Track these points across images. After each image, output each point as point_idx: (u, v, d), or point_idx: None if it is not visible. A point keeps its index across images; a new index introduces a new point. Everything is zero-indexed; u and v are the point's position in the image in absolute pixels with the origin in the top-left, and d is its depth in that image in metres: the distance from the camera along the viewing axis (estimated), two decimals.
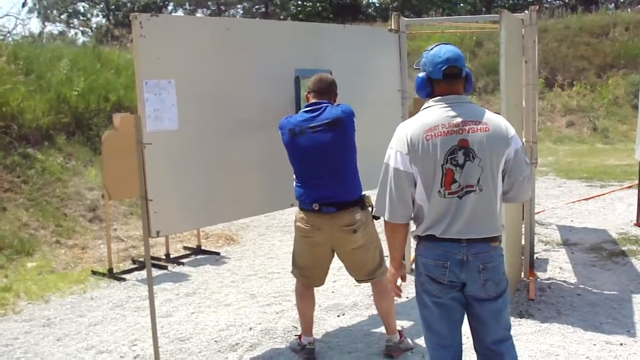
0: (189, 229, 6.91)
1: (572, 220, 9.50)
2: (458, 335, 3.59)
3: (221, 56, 4.87)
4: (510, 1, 36.57)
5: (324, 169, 4.64)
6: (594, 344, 5.17)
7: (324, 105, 4.71)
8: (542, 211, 10.11)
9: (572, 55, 23.97)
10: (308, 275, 4.98)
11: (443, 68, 3.41)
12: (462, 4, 36.46)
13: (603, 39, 24.45)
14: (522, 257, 6.69)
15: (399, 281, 3.70)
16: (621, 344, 5.16)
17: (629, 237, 8.41)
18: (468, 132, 3.32)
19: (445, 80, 3.43)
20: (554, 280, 6.68)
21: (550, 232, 8.79)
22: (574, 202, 11.03)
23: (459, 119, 3.34)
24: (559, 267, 7.14)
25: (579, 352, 5.02)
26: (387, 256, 4.05)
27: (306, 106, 4.80)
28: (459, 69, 3.44)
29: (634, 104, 18.73)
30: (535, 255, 7.23)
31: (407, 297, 6.04)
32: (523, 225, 6.65)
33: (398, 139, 3.44)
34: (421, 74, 3.52)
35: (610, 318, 5.69)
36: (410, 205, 3.45)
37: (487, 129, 3.34)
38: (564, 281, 6.69)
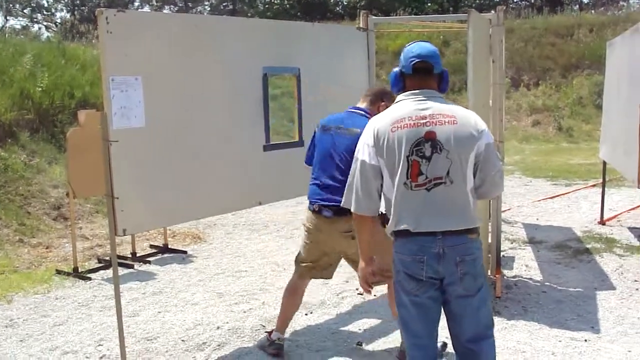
0: (155, 227, 6.86)
1: (537, 219, 9.60)
2: (434, 335, 3.56)
3: (189, 53, 4.83)
4: (477, 1, 36.83)
5: (333, 171, 4.65)
6: (560, 340, 5.23)
7: (360, 112, 4.76)
8: (508, 209, 10.20)
9: (537, 56, 24.22)
10: (320, 265, 4.94)
11: (413, 62, 3.44)
12: (429, 3, 36.52)
13: (568, 40, 24.75)
14: (489, 255, 6.73)
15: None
16: (585, 340, 5.22)
17: (593, 235, 8.52)
18: (436, 124, 3.32)
19: (416, 75, 3.46)
20: (520, 278, 6.75)
21: (517, 230, 8.87)
22: (539, 200, 11.16)
23: (427, 112, 3.35)
24: (525, 265, 7.21)
25: (545, 349, 5.07)
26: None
27: (350, 107, 4.89)
28: (431, 65, 3.45)
29: (597, 103, 18.95)
30: (502, 253, 7.27)
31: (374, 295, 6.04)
32: (490, 224, 6.69)
33: (367, 132, 3.48)
34: (395, 69, 3.56)
35: (575, 315, 5.77)
36: (376, 198, 3.46)
37: (455, 122, 3.33)
38: (530, 279, 6.76)
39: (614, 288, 6.45)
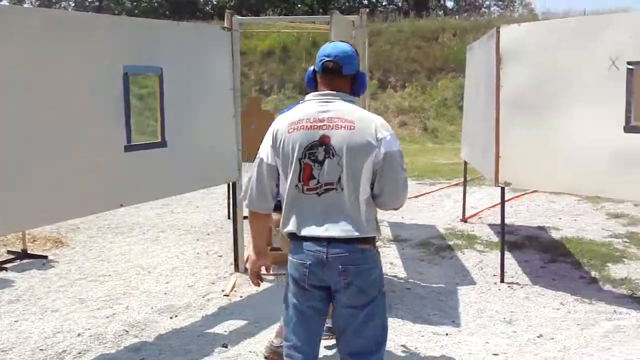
0: (7, 232, 6.52)
1: (402, 217, 9.80)
2: (315, 344, 3.44)
3: (46, 49, 4.62)
4: (347, 3, 37.43)
5: None
6: (422, 335, 5.35)
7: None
8: None
9: (404, 58, 24.88)
10: None
11: (322, 61, 3.32)
12: (299, 5, 36.87)
13: (433, 44, 25.57)
14: None
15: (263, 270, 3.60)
16: (447, 334, 5.37)
17: (455, 232, 8.81)
18: (332, 128, 3.19)
19: (325, 75, 3.34)
20: (385, 276, 6.78)
21: (383, 228, 9.02)
22: None
23: (326, 115, 3.22)
24: (389, 263, 7.35)
25: (408, 344, 5.17)
26: None
27: None
28: (339, 65, 3.30)
29: (461, 105, 19.61)
30: None
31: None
32: None
33: (269, 131, 3.38)
34: (310, 67, 3.45)
35: (437, 310, 5.92)
36: (269, 197, 3.38)
37: (352, 127, 3.18)
38: (395, 276, 6.89)
39: (474, 283, 6.67)
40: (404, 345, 5.16)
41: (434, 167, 15.36)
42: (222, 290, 6.37)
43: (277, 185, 3.37)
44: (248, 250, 5.14)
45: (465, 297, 6.26)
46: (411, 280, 6.74)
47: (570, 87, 5.87)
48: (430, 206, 10.82)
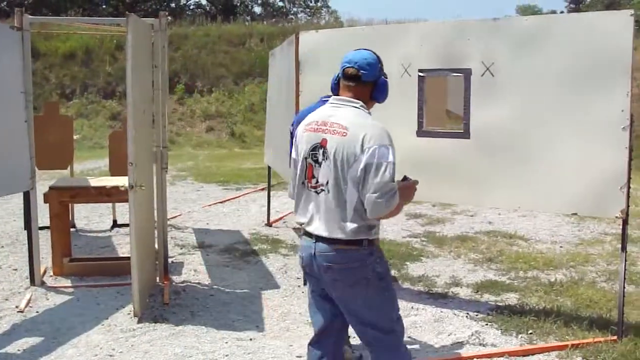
0: None
1: (208, 223, 9.77)
2: (326, 321, 3.71)
3: None
4: (153, 6, 36.75)
5: None
6: (226, 342, 5.32)
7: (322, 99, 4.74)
8: (179, 215, 10.27)
9: (211, 63, 24.81)
10: None
11: (343, 67, 3.53)
12: (104, 6, 35.77)
13: (240, 48, 25.68)
14: (157, 262, 6.69)
15: None
16: (251, 339, 5.39)
17: (260, 237, 8.87)
18: (330, 133, 3.41)
19: (345, 81, 3.53)
20: (189, 283, 6.78)
21: (187, 235, 8.93)
22: (210, 205, 11.35)
23: (330, 119, 3.44)
24: (194, 270, 7.27)
25: (212, 351, 5.13)
26: None
27: (322, 97, 4.87)
28: (358, 72, 3.47)
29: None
30: (171, 260, 7.28)
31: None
32: (155, 230, 6.65)
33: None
34: (336, 73, 3.65)
35: (242, 315, 5.92)
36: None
37: (344, 134, 3.36)
38: (199, 283, 6.82)
39: (278, 287, 6.75)
40: (209, 353, 5.10)
41: (241, 172, 15.41)
42: (16, 307, 6.00)
43: None
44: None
45: (269, 301, 6.31)
46: (215, 287, 6.70)
47: None
48: (235, 211, 10.83)
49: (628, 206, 5.15)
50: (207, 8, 43.72)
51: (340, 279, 3.45)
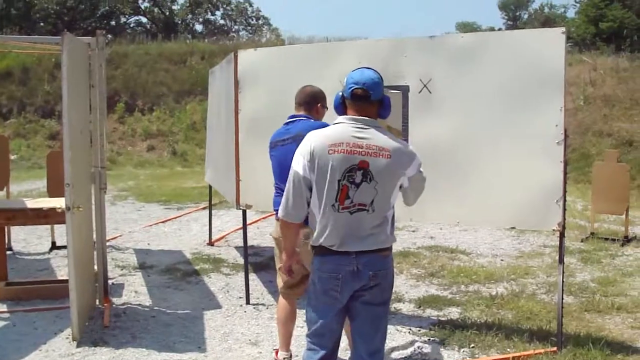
0: None
1: (149, 244, 9.64)
2: (337, 342, 3.89)
3: None
4: (93, 24, 36.37)
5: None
6: None
7: (299, 118, 4.95)
8: (120, 236, 10.11)
9: (152, 81, 24.63)
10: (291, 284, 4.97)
11: (351, 89, 3.64)
12: (42, 24, 35.27)
13: (181, 67, 25.54)
14: (97, 285, 6.56)
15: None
16: None
17: (202, 257, 8.78)
18: (370, 155, 3.54)
19: (354, 101, 3.65)
20: (130, 305, 6.66)
21: (127, 256, 8.79)
22: (151, 225, 11.22)
23: (364, 142, 3.56)
24: (134, 291, 7.15)
25: None
26: None
27: (288, 118, 5.02)
28: (367, 92, 3.61)
29: None
30: (111, 281, 7.16)
31: None
32: (95, 252, 6.53)
33: (304, 146, 3.66)
34: (339, 92, 3.76)
35: (183, 337, 5.84)
36: (305, 207, 3.68)
37: (389, 156, 3.56)
38: (139, 304, 6.70)
39: (220, 307, 6.68)
40: None
41: (182, 191, 15.30)
42: None
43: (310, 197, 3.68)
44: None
45: (211, 321, 6.25)
46: (157, 308, 6.60)
47: None
48: (177, 231, 10.73)
49: (565, 219, 5.25)
50: (148, 26, 43.50)
51: (382, 282, 3.69)
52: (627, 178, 9.94)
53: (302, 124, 4.92)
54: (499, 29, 48.49)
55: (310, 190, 3.65)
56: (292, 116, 5.08)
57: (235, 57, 6.44)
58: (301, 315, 5.49)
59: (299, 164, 3.64)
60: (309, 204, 3.70)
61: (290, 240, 3.90)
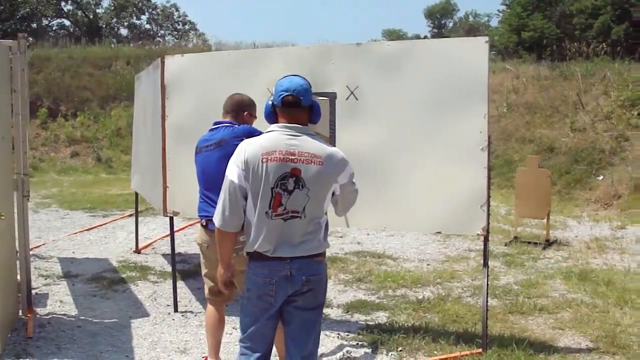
0: None
1: (74, 252, 9.45)
2: (269, 347, 3.91)
3: None
4: (13, 26, 35.42)
5: (212, 186, 4.74)
6: None
7: (224, 124, 4.97)
8: (43, 244, 9.89)
9: (76, 86, 24.17)
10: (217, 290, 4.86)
11: (282, 96, 3.66)
12: None
13: (106, 71, 25.15)
14: (19, 295, 6.40)
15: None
16: None
17: (128, 264, 8.66)
18: (303, 162, 3.59)
19: (285, 108, 3.69)
20: (55, 315, 6.52)
21: (52, 265, 8.61)
22: (76, 233, 11.00)
23: (297, 149, 3.60)
24: (59, 301, 7.00)
25: None
26: None
27: (213, 124, 5.06)
28: (298, 99, 3.66)
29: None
30: (35, 291, 7.00)
31: None
32: (18, 261, 6.37)
33: (237, 154, 3.68)
34: (268, 101, 3.77)
35: (110, 346, 5.75)
36: (242, 215, 3.69)
37: (321, 163, 3.62)
38: (65, 314, 6.57)
39: (148, 315, 6.61)
40: None
41: (107, 198, 15.07)
42: None
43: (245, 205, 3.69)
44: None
45: (139, 329, 6.18)
46: (82, 318, 6.48)
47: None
48: (103, 239, 10.55)
49: (489, 223, 5.38)
50: (71, 29, 42.61)
51: (316, 287, 3.73)
52: (548, 183, 10.23)
53: (225, 130, 4.95)
54: (425, 37, 49.40)
55: (246, 198, 3.67)
56: (217, 122, 5.10)
57: (162, 62, 6.39)
58: (230, 322, 5.51)
59: (233, 172, 3.65)
60: (244, 212, 3.71)
61: (226, 251, 3.87)
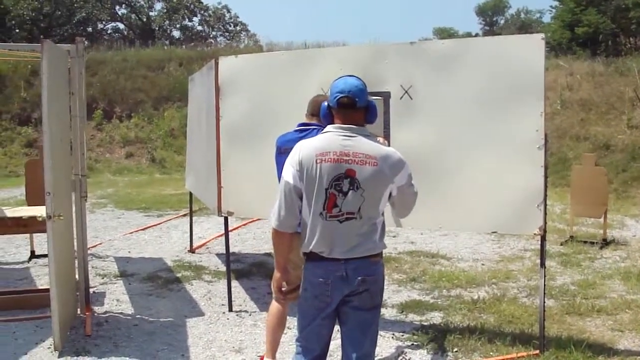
0: None
1: (129, 251, 9.58)
2: (326, 347, 3.94)
3: None
4: (70, 31, 36.13)
5: None
6: None
7: (313, 127, 4.87)
8: (100, 244, 10.04)
9: (130, 88, 24.51)
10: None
11: (337, 98, 3.67)
12: (17, 30, 34.99)
13: (159, 73, 25.46)
14: (77, 294, 6.52)
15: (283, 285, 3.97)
16: None
17: (183, 264, 8.74)
18: (357, 163, 3.58)
19: (342, 110, 3.68)
20: (111, 314, 6.62)
21: (108, 264, 8.74)
22: (131, 232, 11.15)
23: (351, 150, 3.59)
24: (116, 300, 7.10)
25: None
26: None
27: (297, 125, 5.00)
28: (353, 100, 3.65)
29: None
30: (92, 290, 7.11)
31: None
32: (76, 260, 6.48)
33: (292, 155, 3.70)
34: (324, 102, 3.79)
35: (166, 345, 5.81)
36: (298, 216, 3.70)
37: (375, 164, 3.59)
38: (121, 313, 6.66)
39: (203, 314, 6.65)
40: None
41: (162, 198, 15.22)
42: None
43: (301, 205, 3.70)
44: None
45: (194, 329, 6.22)
46: (139, 316, 6.56)
47: (280, 118, 5.92)
48: (157, 238, 10.68)
49: (545, 223, 5.30)
50: (125, 32, 43.29)
51: (371, 288, 3.71)
52: (605, 181, 10.03)
53: (316, 133, 4.85)
54: (476, 35, 48.88)
55: (301, 199, 3.67)
56: (304, 124, 5.06)
57: (216, 63, 6.43)
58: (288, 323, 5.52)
59: (288, 173, 3.67)
60: (301, 212, 3.71)
61: (282, 252, 3.88)
